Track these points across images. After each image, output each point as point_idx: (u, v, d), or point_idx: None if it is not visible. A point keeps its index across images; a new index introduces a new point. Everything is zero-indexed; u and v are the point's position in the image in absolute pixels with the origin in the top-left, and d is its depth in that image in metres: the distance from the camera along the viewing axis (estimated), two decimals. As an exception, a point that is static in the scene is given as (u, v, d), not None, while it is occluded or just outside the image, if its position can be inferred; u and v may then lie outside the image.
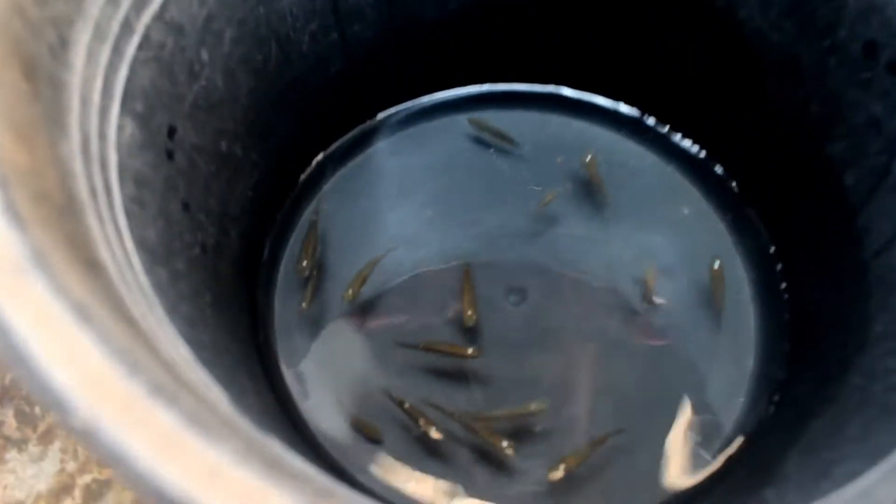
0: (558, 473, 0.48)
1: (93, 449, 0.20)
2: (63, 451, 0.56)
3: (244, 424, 0.29)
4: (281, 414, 0.50)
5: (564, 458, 0.48)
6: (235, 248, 0.52)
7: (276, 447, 0.27)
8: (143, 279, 0.35)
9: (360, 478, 0.50)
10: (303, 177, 0.60)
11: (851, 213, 0.47)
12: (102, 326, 0.23)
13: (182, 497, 0.20)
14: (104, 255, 0.32)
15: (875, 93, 0.45)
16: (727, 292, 0.56)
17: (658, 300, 0.55)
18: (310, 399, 0.53)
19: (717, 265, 0.55)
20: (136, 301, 0.32)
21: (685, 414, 0.52)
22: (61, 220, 0.30)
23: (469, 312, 0.53)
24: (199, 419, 0.21)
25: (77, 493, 0.55)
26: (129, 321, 0.28)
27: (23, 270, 0.25)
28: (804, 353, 0.51)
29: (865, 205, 0.46)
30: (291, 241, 0.58)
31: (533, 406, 0.50)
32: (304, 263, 0.55)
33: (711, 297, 0.56)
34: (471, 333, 0.54)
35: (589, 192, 0.59)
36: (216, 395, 0.31)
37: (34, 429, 0.57)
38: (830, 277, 0.50)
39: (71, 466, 0.56)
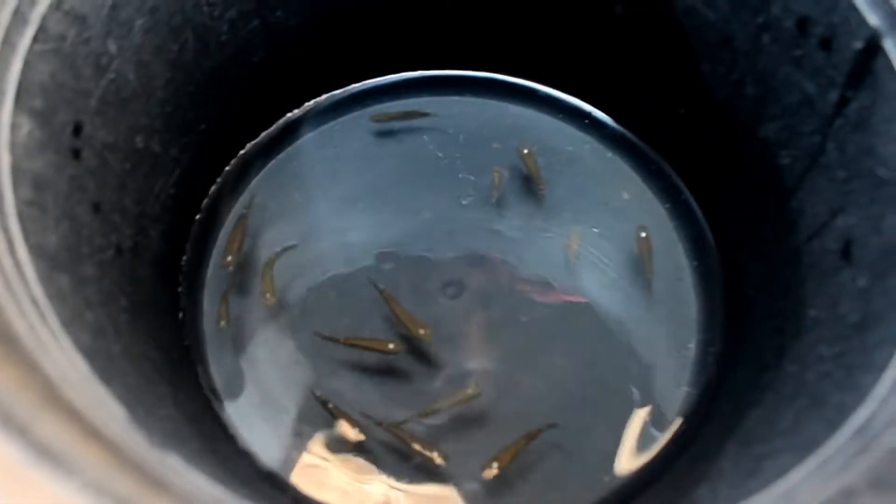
0: (492, 471, 0.46)
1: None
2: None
3: (133, 442, 0.27)
4: (203, 420, 0.48)
5: (497, 455, 0.47)
6: (156, 248, 0.50)
7: (163, 466, 0.25)
8: (37, 289, 0.33)
9: (286, 480, 0.49)
10: (228, 170, 0.57)
11: (786, 196, 0.46)
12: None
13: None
14: (-15, 266, 0.30)
15: (807, 70, 0.44)
16: (668, 279, 0.55)
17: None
18: (238, 400, 0.51)
19: (643, 234, 0.55)
20: (23, 314, 0.30)
21: (624, 406, 0.51)
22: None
23: (422, 331, 0.51)
24: (52, 449, 0.19)
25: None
26: (4, 339, 0.26)
27: None
28: (743, 340, 0.50)
29: (799, 186, 0.45)
30: (219, 238, 0.56)
31: (469, 390, 0.49)
32: (230, 258, 0.53)
33: (641, 268, 0.55)
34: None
35: (527, 179, 0.58)
36: (109, 412, 0.29)
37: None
38: (767, 263, 0.49)
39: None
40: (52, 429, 0.21)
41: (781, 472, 0.30)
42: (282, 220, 0.56)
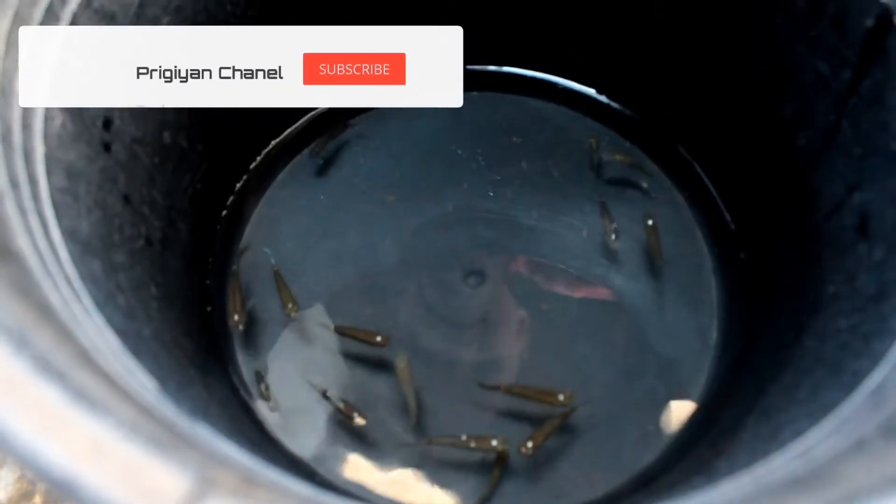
0: (527, 450, 0.47)
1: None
2: (22, 456, 0.55)
3: (166, 410, 0.28)
4: (232, 405, 0.49)
5: (532, 434, 0.48)
6: (185, 241, 0.51)
7: (193, 431, 0.26)
8: (71, 270, 0.34)
9: (321, 471, 0.49)
10: (253, 166, 0.59)
11: (803, 177, 0.47)
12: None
13: (64, 475, 0.19)
14: (22, 243, 0.31)
15: (821, 50, 0.44)
16: (689, 265, 0.56)
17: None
18: (268, 392, 0.51)
19: (650, 223, 0.55)
20: (57, 289, 0.32)
21: (647, 391, 0.51)
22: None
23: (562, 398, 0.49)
24: (87, 393, 0.20)
25: (37, 498, 0.54)
26: (40, 307, 0.27)
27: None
28: (763, 321, 0.50)
29: (816, 166, 0.46)
30: (247, 232, 0.57)
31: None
32: (236, 318, 0.52)
33: (652, 252, 0.56)
34: (431, 316, 0.54)
35: (545, 171, 0.59)
36: (140, 383, 0.30)
37: (-8, 436, 0.56)
38: (786, 245, 0.49)
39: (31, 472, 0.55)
40: (87, 379, 0.22)
41: (798, 434, 0.31)
42: (306, 215, 0.57)
